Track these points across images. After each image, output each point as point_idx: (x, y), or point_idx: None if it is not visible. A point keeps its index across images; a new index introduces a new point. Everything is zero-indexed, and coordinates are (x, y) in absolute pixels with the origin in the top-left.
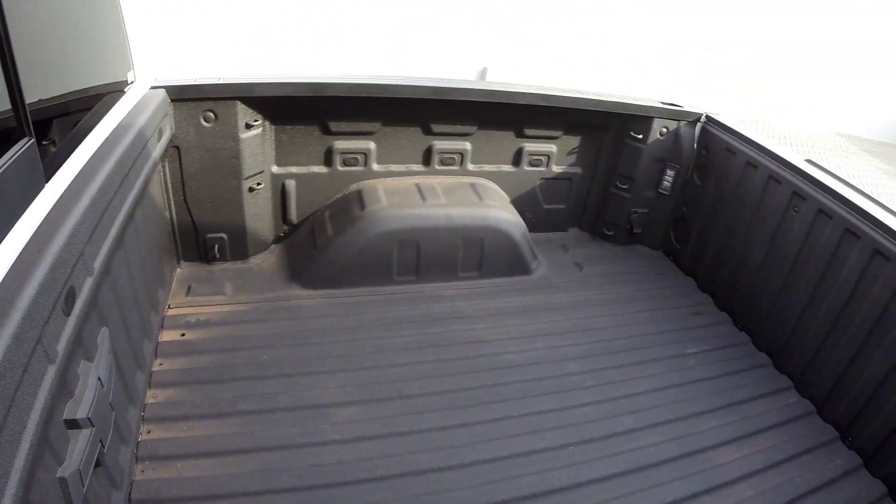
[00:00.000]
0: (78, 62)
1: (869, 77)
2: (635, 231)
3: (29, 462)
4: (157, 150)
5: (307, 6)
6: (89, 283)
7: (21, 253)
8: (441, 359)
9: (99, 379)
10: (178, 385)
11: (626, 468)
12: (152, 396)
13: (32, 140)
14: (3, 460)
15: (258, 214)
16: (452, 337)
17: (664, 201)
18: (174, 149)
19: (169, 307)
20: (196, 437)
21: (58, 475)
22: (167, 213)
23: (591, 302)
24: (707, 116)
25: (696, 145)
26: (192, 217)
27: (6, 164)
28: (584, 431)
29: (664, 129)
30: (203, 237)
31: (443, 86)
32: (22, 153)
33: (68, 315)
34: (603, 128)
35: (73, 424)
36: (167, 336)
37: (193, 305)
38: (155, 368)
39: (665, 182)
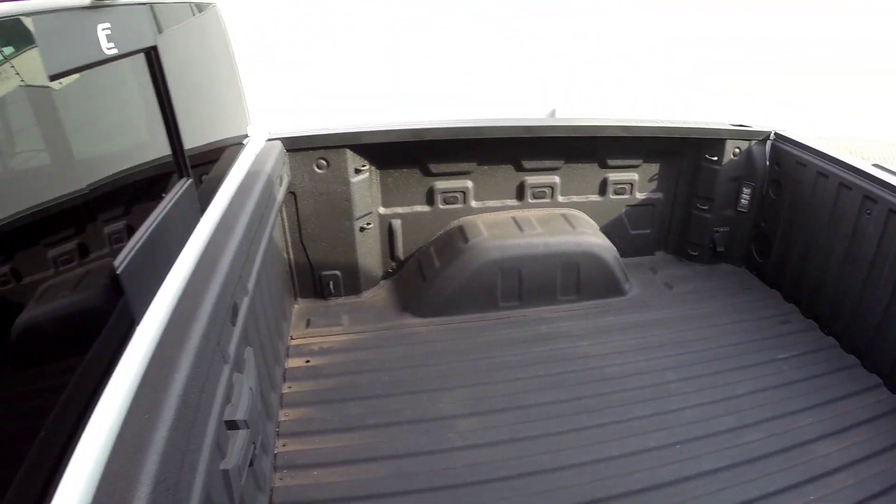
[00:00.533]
0: (207, 120)
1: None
2: (719, 249)
3: (213, 448)
4: (280, 194)
5: (301, 4)
6: (246, 301)
7: (194, 270)
8: (550, 373)
9: (250, 388)
10: (307, 404)
11: (730, 462)
12: (284, 415)
13: (191, 180)
14: (197, 441)
15: (369, 252)
16: (558, 354)
17: (743, 218)
18: (290, 194)
19: (292, 338)
20: (329, 449)
21: (221, 467)
22: (285, 254)
23: (683, 317)
24: (776, 133)
25: (768, 162)
26: (307, 256)
27: (175, 198)
28: (688, 431)
29: (737, 150)
30: (319, 274)
31: (531, 124)
32: (184, 190)
33: (234, 325)
34: (679, 153)
35: (232, 425)
36: (293, 363)
37: (314, 336)
38: (285, 391)
39: (743, 200)
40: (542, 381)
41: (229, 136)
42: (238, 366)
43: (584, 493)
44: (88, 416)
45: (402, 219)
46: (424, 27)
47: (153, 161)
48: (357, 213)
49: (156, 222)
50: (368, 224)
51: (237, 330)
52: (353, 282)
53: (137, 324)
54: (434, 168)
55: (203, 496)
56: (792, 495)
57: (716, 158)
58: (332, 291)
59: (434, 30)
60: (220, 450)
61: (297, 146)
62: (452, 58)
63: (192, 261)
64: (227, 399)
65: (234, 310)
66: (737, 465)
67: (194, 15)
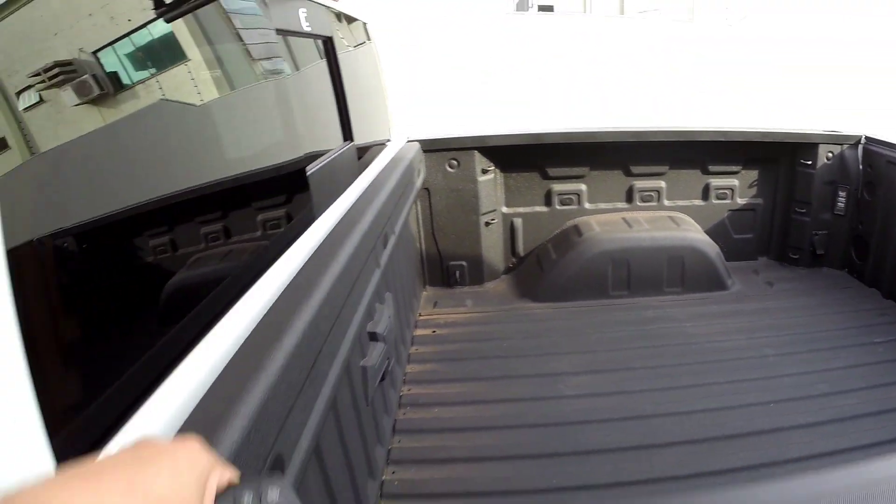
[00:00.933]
0: (359, 118)
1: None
2: (818, 252)
3: (357, 337)
4: (418, 183)
5: None
6: (392, 239)
7: (352, 206)
8: (655, 345)
9: (389, 316)
10: (432, 361)
11: (823, 419)
12: (411, 368)
13: (354, 143)
14: (345, 320)
15: (492, 246)
16: (664, 332)
17: (841, 221)
18: (425, 190)
19: (420, 315)
20: (449, 393)
21: (361, 364)
22: (418, 244)
23: (783, 308)
24: (866, 137)
25: (861, 165)
26: (437, 247)
27: (343, 150)
28: (783, 392)
29: (830, 154)
30: (447, 264)
31: (636, 130)
32: (348, 148)
33: (384, 247)
34: (776, 160)
35: (373, 337)
36: (420, 332)
37: (440, 314)
38: (412, 351)
39: (839, 203)
40: (648, 350)
41: (375, 136)
42: (379, 296)
43: (681, 434)
44: (269, 266)
45: (523, 218)
46: (442, 26)
47: (329, 126)
48: (483, 209)
49: (331, 157)
50: (493, 220)
51: (386, 252)
52: (477, 272)
53: (317, 217)
54: (551, 172)
55: (345, 363)
56: (883, 449)
57: (810, 163)
58: (458, 280)
59: (451, 29)
60: (362, 350)
61: (432, 147)
62: (470, 57)
63: (356, 194)
64: (370, 316)
65: (385, 238)
66: (829, 422)
67: (351, 28)
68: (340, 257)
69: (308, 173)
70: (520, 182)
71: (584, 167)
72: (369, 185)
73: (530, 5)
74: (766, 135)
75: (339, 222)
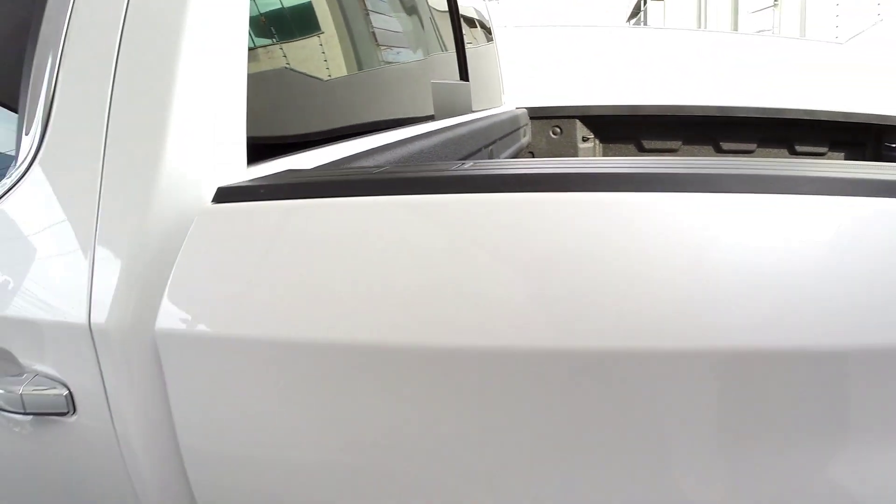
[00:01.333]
0: (477, 87)
1: None
2: None
3: None
4: (524, 140)
5: None
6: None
7: (458, 125)
8: None
9: None
10: None
11: None
12: None
13: (468, 83)
14: None
15: None
16: None
17: None
18: (530, 154)
19: None
20: None
21: None
22: None
23: None
24: None
25: None
26: None
27: (459, 83)
28: None
29: None
30: None
31: (724, 105)
32: (463, 85)
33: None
34: (862, 143)
35: None
36: None
37: None
38: None
39: None
40: None
41: (489, 104)
42: None
43: None
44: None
45: None
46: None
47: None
48: None
49: (452, 82)
50: None
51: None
52: None
53: (435, 120)
54: (647, 144)
55: None
56: None
57: (894, 146)
58: None
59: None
60: None
61: (538, 115)
62: (520, 52)
63: (456, 122)
64: None
65: (490, 154)
66: None
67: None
68: (454, 131)
69: (432, 81)
70: (617, 153)
71: (677, 141)
72: (481, 117)
73: (643, 23)
74: (850, 115)
75: (453, 124)
